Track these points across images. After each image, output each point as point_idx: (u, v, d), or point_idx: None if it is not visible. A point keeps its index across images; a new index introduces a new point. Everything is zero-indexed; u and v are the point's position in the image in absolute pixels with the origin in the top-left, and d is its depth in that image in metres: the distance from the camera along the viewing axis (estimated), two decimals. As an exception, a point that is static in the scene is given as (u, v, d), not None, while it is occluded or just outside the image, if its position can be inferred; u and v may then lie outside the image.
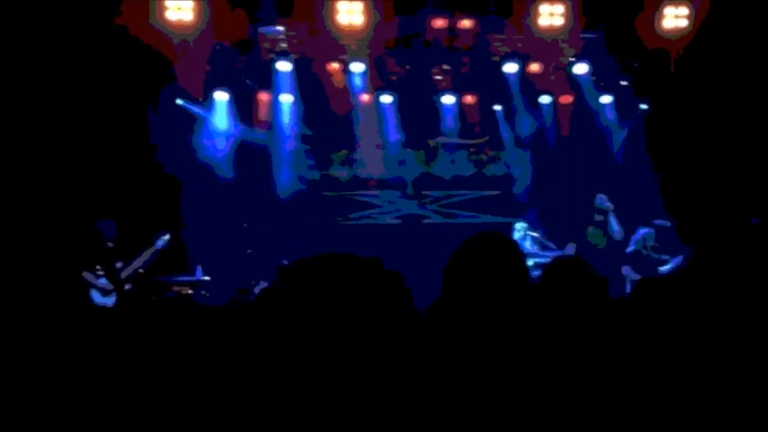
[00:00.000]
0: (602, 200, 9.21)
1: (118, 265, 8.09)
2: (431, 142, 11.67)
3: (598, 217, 9.22)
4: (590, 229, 9.29)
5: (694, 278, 2.73)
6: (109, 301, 8.00)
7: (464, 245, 2.81)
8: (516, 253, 2.77)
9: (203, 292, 8.86)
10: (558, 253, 9.00)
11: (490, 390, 2.34)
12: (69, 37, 8.29)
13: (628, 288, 8.49)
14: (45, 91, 8.47)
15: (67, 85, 8.60)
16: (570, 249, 9.17)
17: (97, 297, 8.05)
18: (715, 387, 2.42)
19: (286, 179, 11.08)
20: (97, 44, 8.46)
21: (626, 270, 8.66)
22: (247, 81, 10.52)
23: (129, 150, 9.45)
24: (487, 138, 11.62)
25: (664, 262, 8.53)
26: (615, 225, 9.03)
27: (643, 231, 8.78)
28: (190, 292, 8.78)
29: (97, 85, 8.84)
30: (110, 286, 8.00)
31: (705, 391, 2.41)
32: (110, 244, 8.14)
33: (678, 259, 8.34)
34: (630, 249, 8.81)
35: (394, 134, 11.24)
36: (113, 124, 9.20)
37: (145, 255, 8.25)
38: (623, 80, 10.57)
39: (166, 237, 8.36)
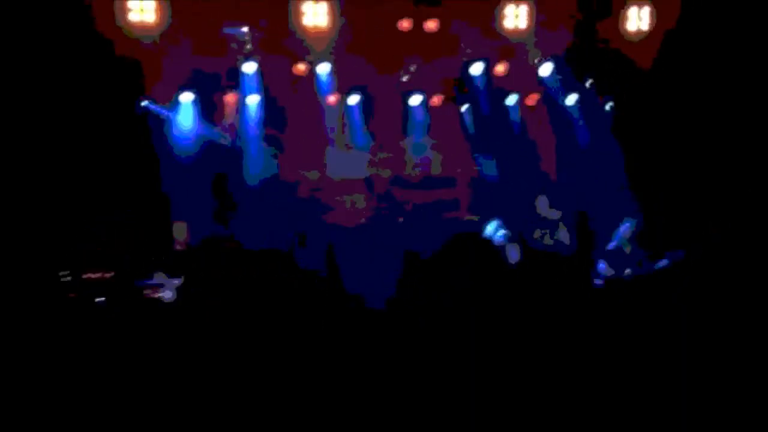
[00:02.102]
0: (544, 206, 9.30)
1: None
2: (399, 143, 11.66)
3: (553, 215, 9.30)
4: (536, 232, 9.37)
5: (688, 276, 2.76)
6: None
7: (449, 252, 2.82)
8: (493, 251, 2.79)
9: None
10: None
11: (485, 385, 2.35)
12: (40, 40, 8.23)
13: (601, 283, 8.53)
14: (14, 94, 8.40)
15: (37, 88, 8.53)
16: (512, 251, 9.20)
17: (168, 296, 8.07)
18: (704, 382, 2.44)
19: (254, 177, 11.04)
20: (67, 46, 8.39)
21: (602, 267, 8.70)
22: (215, 82, 10.45)
23: (97, 152, 9.37)
24: (454, 139, 11.64)
25: (650, 259, 8.54)
26: (563, 235, 9.11)
27: (624, 227, 8.82)
28: (159, 295, 8.73)
29: (69, 87, 8.77)
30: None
31: (693, 387, 2.43)
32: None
33: (666, 259, 8.37)
34: (613, 245, 8.85)
35: (362, 135, 11.23)
36: (84, 126, 9.13)
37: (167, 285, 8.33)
38: (589, 79, 10.66)
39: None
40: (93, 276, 8.33)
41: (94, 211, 9.25)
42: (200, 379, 2.69)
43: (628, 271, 8.41)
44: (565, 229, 9.19)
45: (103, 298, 8.16)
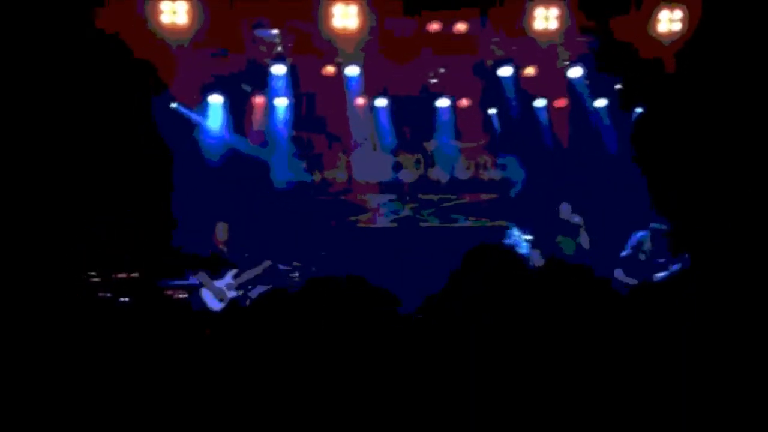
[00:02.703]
0: (566, 211, 9.26)
1: (232, 273, 8.24)
2: (427, 146, 11.65)
3: (576, 219, 9.25)
4: (559, 237, 9.33)
5: (693, 284, 2.73)
6: (219, 305, 8.10)
7: (467, 258, 2.81)
8: (518, 262, 2.77)
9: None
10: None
11: (494, 393, 2.34)
12: (66, 41, 8.30)
13: (623, 292, 8.45)
14: (39, 96, 8.47)
15: (66, 90, 8.61)
16: (535, 256, 9.17)
17: (208, 298, 8.17)
18: (713, 391, 2.42)
19: (282, 179, 11.09)
20: (94, 47, 8.45)
21: (619, 273, 8.66)
22: (243, 85, 10.49)
23: (126, 154, 9.46)
24: (482, 142, 11.62)
25: (661, 267, 8.52)
26: (584, 239, 9.08)
27: (639, 234, 8.78)
28: (184, 296, 8.80)
29: (94, 89, 8.85)
30: (224, 291, 8.14)
31: (704, 395, 2.41)
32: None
33: (676, 266, 8.33)
34: (625, 252, 8.81)
35: (390, 138, 11.24)
36: (111, 129, 9.22)
37: (258, 269, 8.41)
38: (618, 84, 10.60)
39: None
40: (119, 276, 8.42)
41: (113, 212, 9.34)
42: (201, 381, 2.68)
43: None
44: (586, 234, 9.13)
45: (126, 299, 8.26)
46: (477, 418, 2.36)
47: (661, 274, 8.41)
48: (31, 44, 8.25)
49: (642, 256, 8.68)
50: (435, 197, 11.75)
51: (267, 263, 8.58)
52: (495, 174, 11.77)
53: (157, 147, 9.61)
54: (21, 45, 8.22)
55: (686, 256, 8.26)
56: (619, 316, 2.78)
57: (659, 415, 2.41)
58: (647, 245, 8.70)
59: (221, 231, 8.58)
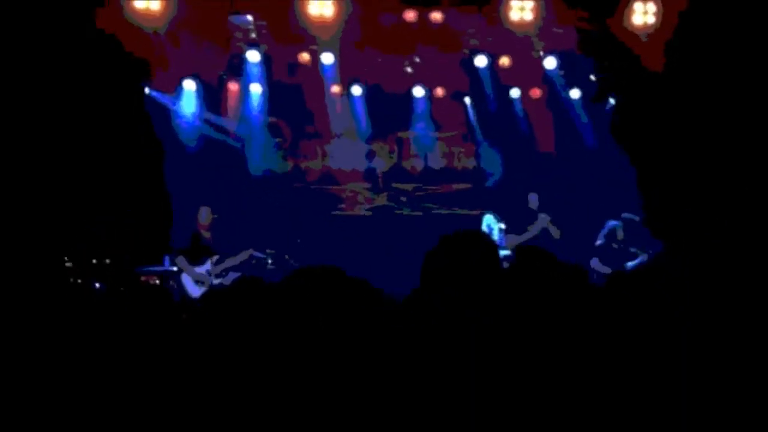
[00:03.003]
0: (534, 201, 9.30)
1: (213, 259, 8.21)
2: (402, 135, 11.65)
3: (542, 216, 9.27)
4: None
5: (663, 273, 2.76)
6: (198, 291, 8.04)
7: (441, 245, 2.80)
8: (494, 251, 2.78)
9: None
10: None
11: (479, 387, 2.34)
12: (40, 31, 8.21)
13: (596, 279, 8.55)
14: (15, 88, 8.39)
15: (39, 80, 8.52)
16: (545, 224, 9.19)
17: (188, 284, 8.12)
18: (708, 384, 2.43)
19: (256, 166, 11.06)
20: (70, 36, 8.38)
21: (594, 262, 8.74)
22: (218, 71, 10.44)
23: (101, 143, 9.39)
24: (457, 131, 11.64)
25: (633, 256, 8.61)
26: (553, 231, 9.09)
27: (610, 224, 8.87)
28: (157, 282, 8.77)
29: (72, 78, 8.77)
30: (205, 277, 8.09)
31: (698, 388, 2.42)
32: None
33: (644, 256, 8.43)
34: (599, 242, 8.89)
35: (365, 126, 11.22)
36: (85, 117, 9.14)
37: (242, 255, 8.36)
38: (592, 75, 10.66)
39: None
40: (96, 262, 8.39)
41: (96, 205, 9.28)
42: (204, 376, 2.67)
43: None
44: (554, 227, 9.14)
45: (105, 285, 8.22)
46: (463, 415, 2.37)
47: (631, 263, 8.51)
48: (18, 42, 8.18)
49: (615, 246, 8.77)
50: (409, 186, 11.76)
51: (249, 251, 8.54)
52: (469, 163, 11.79)
53: (136, 134, 9.56)
54: (19, 39, 8.14)
55: (657, 244, 8.35)
56: (595, 306, 2.80)
57: (654, 410, 2.43)
58: (619, 234, 8.78)
59: (204, 215, 8.51)
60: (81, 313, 3.12)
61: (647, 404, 2.42)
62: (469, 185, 11.71)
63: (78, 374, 2.67)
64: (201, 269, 8.31)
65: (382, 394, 2.37)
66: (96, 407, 2.58)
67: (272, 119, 11.09)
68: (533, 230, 8.99)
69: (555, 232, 9.06)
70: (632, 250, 8.70)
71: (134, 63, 8.88)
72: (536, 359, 2.41)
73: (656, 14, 8.96)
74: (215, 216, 8.64)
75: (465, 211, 11.37)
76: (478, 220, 9.60)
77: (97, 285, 8.36)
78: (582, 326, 2.61)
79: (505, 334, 2.48)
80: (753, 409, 2.41)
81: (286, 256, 9.40)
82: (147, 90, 10.15)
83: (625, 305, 2.74)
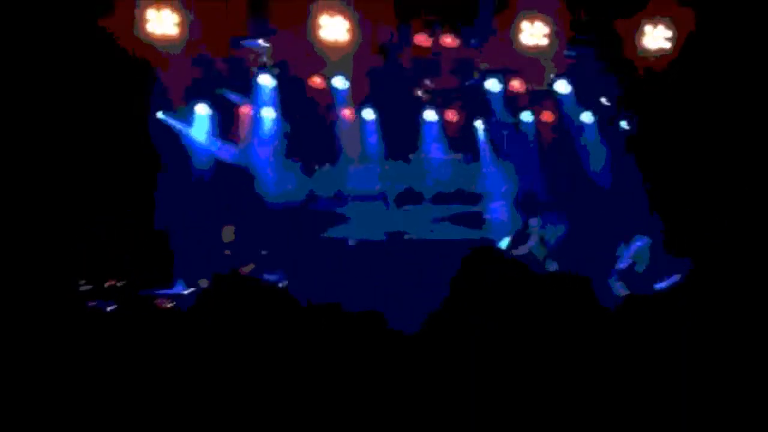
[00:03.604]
0: (535, 225, 9.34)
1: None
2: (413, 157, 11.64)
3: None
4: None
5: (694, 294, 2.73)
6: None
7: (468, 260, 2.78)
8: (520, 266, 2.75)
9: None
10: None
11: (498, 397, 2.33)
12: (53, 45, 8.27)
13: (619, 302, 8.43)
14: (25, 99, 8.44)
15: (50, 93, 8.57)
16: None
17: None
18: (714, 395, 2.41)
19: (268, 190, 11.05)
20: (83, 52, 8.44)
21: (616, 285, 8.66)
22: (229, 95, 10.46)
23: (111, 160, 9.42)
24: (469, 154, 11.62)
25: (656, 278, 8.49)
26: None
27: (636, 245, 8.78)
28: (170, 305, 8.74)
29: (82, 94, 8.83)
30: None
31: (704, 400, 2.40)
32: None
33: (674, 277, 8.30)
34: (623, 264, 8.81)
35: (377, 149, 11.22)
36: (96, 135, 9.19)
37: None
38: (605, 98, 10.65)
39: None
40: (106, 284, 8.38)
41: (103, 219, 9.31)
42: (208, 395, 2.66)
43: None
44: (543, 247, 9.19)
45: (113, 306, 8.20)
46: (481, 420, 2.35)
47: (661, 285, 8.39)
48: (28, 46, 8.23)
49: (639, 268, 8.69)
50: (420, 209, 11.73)
51: (251, 266, 8.56)
52: (480, 187, 11.75)
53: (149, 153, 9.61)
54: (17, 46, 8.19)
55: (685, 266, 8.25)
56: (619, 324, 2.78)
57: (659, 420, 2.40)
58: (645, 256, 8.70)
59: (228, 233, 8.56)
60: (94, 334, 3.12)
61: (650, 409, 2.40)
62: (481, 207, 11.65)
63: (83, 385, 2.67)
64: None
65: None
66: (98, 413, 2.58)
67: (283, 143, 11.08)
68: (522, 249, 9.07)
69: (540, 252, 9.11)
70: (656, 272, 8.60)
71: (147, 80, 8.93)
72: (558, 379, 2.40)
73: (669, 39, 8.94)
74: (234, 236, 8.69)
75: (477, 234, 11.32)
76: (488, 242, 9.58)
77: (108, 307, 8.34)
78: (602, 345, 2.60)
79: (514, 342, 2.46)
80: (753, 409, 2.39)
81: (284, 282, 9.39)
82: (159, 114, 10.19)
83: (644, 324, 2.72)
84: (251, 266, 8.66)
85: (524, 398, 2.36)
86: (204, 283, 8.47)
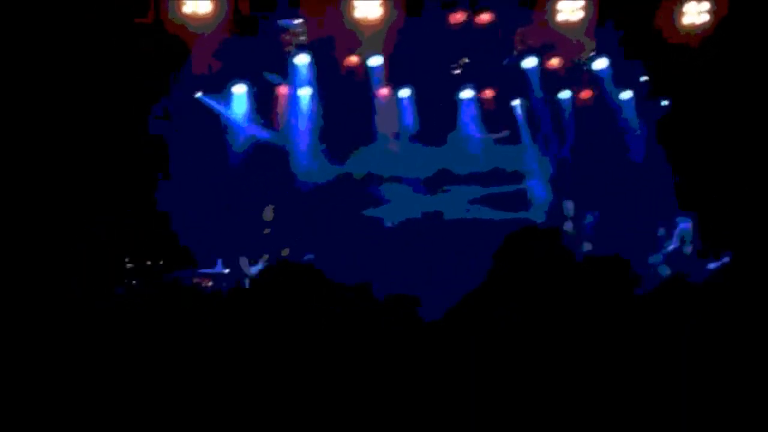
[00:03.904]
0: (570, 208, 9.29)
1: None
2: (450, 137, 11.58)
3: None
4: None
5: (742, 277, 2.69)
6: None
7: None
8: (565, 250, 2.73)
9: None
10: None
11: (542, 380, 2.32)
12: (86, 29, 8.33)
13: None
14: (56, 86, 8.52)
15: (82, 78, 8.65)
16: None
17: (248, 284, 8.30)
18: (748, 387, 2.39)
19: (305, 170, 11.07)
20: (114, 38, 8.50)
21: (663, 267, 8.58)
22: (267, 75, 10.47)
23: (144, 145, 9.50)
24: (506, 133, 11.53)
25: (708, 259, 8.39)
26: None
27: (681, 226, 8.69)
28: (210, 284, 8.83)
29: (114, 79, 8.90)
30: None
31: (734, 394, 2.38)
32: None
33: (725, 258, 8.18)
34: (672, 246, 8.73)
35: (413, 129, 11.18)
36: (130, 117, 9.27)
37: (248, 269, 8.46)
38: (644, 76, 10.50)
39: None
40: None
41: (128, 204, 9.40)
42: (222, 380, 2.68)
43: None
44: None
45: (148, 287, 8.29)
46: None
47: (713, 265, 8.29)
48: (33, 42, 8.29)
49: (686, 249, 8.61)
50: (458, 189, 11.68)
51: (287, 250, 8.62)
52: (518, 166, 11.67)
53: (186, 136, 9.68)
54: (21, 43, 8.26)
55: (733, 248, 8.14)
56: (660, 309, 2.75)
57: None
58: (689, 237, 8.62)
59: (268, 212, 8.67)
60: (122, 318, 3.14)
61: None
62: (519, 187, 11.57)
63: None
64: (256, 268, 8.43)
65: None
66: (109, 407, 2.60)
67: (320, 123, 11.08)
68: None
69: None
70: (701, 253, 8.52)
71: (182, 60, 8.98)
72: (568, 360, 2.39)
73: (709, 12, 8.80)
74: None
75: (514, 215, 11.25)
76: (525, 224, 9.52)
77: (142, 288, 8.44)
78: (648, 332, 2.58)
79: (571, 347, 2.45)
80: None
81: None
82: (198, 94, 10.23)
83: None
84: (287, 250, 8.70)
85: (545, 388, 2.35)
86: (244, 262, 8.56)
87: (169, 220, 9.42)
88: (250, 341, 2.77)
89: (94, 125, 8.97)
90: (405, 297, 3.23)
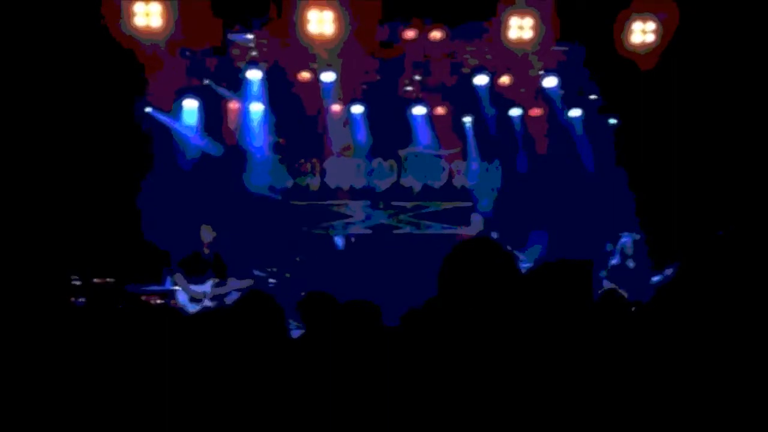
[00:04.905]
0: (478, 222, 9.48)
1: (212, 282, 8.16)
2: (401, 153, 11.65)
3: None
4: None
5: (687, 289, 2.73)
6: (194, 307, 8.02)
7: (456, 250, 2.77)
8: (507, 257, 2.75)
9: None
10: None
11: (488, 391, 2.33)
12: (42, 41, 8.24)
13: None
14: (11, 95, 8.42)
15: (37, 90, 8.55)
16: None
17: (183, 299, 8.09)
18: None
19: (257, 184, 11.03)
20: (71, 49, 8.41)
21: (604, 281, 8.69)
22: (217, 88, 10.41)
23: (100, 156, 9.40)
24: (457, 149, 11.63)
25: (652, 272, 8.52)
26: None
27: (622, 241, 8.82)
28: (159, 301, 8.71)
29: (71, 90, 8.81)
30: (201, 294, 8.05)
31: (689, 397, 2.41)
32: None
33: (668, 271, 8.32)
34: (615, 260, 8.85)
35: (365, 144, 11.22)
36: (87, 129, 9.18)
37: (245, 282, 8.31)
38: (592, 94, 10.67)
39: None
40: (98, 281, 8.37)
41: (92, 214, 9.29)
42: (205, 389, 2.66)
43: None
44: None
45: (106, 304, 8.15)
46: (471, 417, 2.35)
47: (656, 279, 8.41)
48: (35, 46, 8.20)
49: (630, 264, 8.73)
50: (409, 204, 11.74)
51: (249, 282, 8.49)
52: (468, 182, 11.76)
53: (135, 149, 9.60)
54: (23, 46, 8.17)
55: (677, 261, 8.26)
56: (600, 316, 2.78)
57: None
58: (630, 251, 8.74)
59: (206, 233, 8.47)
60: (85, 332, 3.11)
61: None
62: (469, 203, 11.66)
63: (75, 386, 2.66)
64: (199, 288, 8.26)
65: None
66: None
67: (271, 137, 11.06)
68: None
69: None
70: (647, 268, 8.64)
71: (131, 78, 8.92)
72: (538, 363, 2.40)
73: (656, 32, 8.97)
74: (215, 234, 8.60)
75: (465, 230, 11.33)
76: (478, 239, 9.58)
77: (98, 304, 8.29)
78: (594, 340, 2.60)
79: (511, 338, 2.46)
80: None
81: (287, 275, 9.37)
82: (147, 109, 10.15)
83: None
84: (251, 281, 8.61)
85: (509, 392, 2.36)
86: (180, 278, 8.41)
87: (122, 234, 9.36)
88: (205, 357, 2.76)
89: (42, 139, 8.86)
90: (365, 304, 3.24)
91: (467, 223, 10.97)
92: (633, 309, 2.97)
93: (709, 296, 2.63)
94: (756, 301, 2.56)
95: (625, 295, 8.31)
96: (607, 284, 8.59)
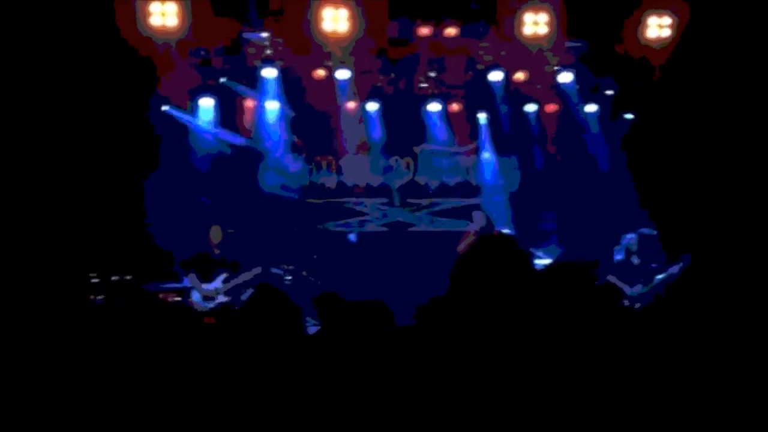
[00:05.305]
0: (479, 218, 9.44)
1: (222, 277, 8.20)
2: (416, 150, 11.64)
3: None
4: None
5: (695, 286, 2.73)
6: (207, 305, 8.10)
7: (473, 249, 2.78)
8: (523, 255, 2.75)
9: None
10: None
11: (498, 390, 2.33)
12: (56, 41, 8.29)
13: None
14: (27, 95, 8.48)
15: (52, 89, 8.61)
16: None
17: (196, 298, 8.16)
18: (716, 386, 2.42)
19: (271, 183, 11.07)
20: (86, 49, 8.46)
21: (612, 278, 8.65)
22: (235, 86, 10.46)
23: (116, 156, 9.46)
24: (473, 146, 11.61)
25: (657, 270, 8.48)
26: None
27: (627, 238, 8.78)
28: (177, 299, 8.76)
29: (85, 89, 8.86)
30: (214, 292, 8.12)
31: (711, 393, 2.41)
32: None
33: (673, 269, 8.27)
34: (619, 257, 8.81)
35: (380, 141, 11.22)
36: (101, 129, 9.23)
37: (248, 275, 8.34)
38: (608, 90, 10.62)
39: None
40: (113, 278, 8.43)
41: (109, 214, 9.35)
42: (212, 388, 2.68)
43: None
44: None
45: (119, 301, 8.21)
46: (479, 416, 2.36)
47: (660, 276, 8.37)
48: (28, 47, 8.25)
49: (635, 260, 8.69)
50: (424, 201, 11.73)
51: (257, 270, 8.51)
52: (483, 179, 11.73)
53: (150, 149, 9.66)
54: (17, 47, 8.22)
55: (685, 258, 8.22)
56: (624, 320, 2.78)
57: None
58: (634, 248, 8.70)
59: (215, 233, 8.50)
60: (101, 330, 3.14)
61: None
62: (481, 200, 11.62)
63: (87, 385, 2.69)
64: (210, 286, 8.30)
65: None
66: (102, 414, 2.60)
67: (287, 135, 11.08)
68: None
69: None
70: (653, 265, 8.59)
71: (146, 77, 8.97)
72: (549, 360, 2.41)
73: (671, 27, 8.92)
74: (230, 231, 8.64)
75: (468, 226, 11.31)
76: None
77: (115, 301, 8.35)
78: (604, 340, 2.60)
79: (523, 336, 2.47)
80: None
81: (303, 272, 9.40)
82: (165, 107, 10.21)
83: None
84: (258, 269, 8.61)
85: (516, 391, 2.37)
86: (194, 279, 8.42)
87: (137, 233, 9.43)
88: (216, 356, 2.78)
89: (58, 140, 8.92)
90: (376, 303, 3.24)
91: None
92: (636, 306, 2.98)
93: (711, 296, 2.63)
94: (757, 301, 2.56)
95: (627, 291, 8.35)
96: (611, 279, 8.56)
